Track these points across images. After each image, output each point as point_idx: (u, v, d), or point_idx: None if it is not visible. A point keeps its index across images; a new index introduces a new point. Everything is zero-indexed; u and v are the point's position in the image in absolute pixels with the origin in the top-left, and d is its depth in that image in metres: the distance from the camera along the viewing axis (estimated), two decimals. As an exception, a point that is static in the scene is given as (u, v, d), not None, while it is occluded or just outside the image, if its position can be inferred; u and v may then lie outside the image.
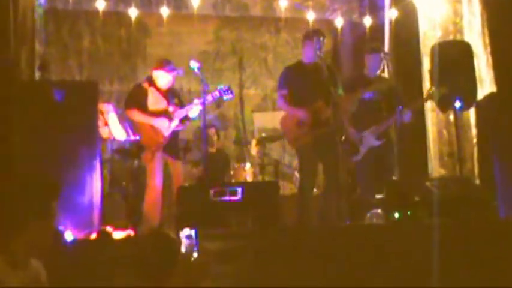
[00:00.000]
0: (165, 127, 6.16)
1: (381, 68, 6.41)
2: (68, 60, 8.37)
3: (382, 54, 6.35)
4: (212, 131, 8.01)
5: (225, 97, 6.27)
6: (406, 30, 7.63)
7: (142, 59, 8.61)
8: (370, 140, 6.20)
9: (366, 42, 7.90)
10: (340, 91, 5.91)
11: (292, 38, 9.06)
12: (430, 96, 6.13)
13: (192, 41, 8.81)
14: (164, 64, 6.28)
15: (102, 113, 6.27)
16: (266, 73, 9.14)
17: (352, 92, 6.18)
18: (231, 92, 6.29)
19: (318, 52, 5.88)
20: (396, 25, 7.79)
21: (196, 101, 6.18)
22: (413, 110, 6.17)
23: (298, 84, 6.06)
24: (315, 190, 6.43)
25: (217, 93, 6.21)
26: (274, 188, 5.59)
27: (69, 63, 8.37)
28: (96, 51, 8.49)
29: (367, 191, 6.18)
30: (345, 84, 6.15)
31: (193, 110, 6.19)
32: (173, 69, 6.27)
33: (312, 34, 6.01)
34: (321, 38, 6.00)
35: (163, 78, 6.26)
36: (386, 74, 6.56)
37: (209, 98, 6.14)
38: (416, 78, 7.16)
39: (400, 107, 6.07)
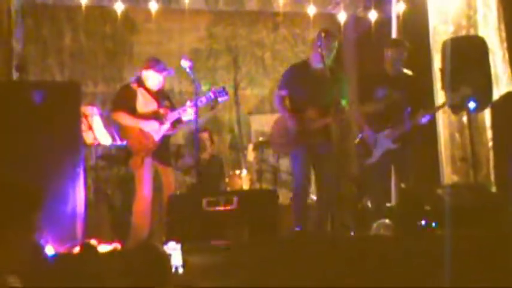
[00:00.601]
0: (155, 131, 6.16)
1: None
2: (48, 59, 8.38)
3: (404, 48, 6.27)
4: (205, 135, 8.03)
5: (219, 99, 6.26)
6: (415, 25, 7.62)
7: (129, 57, 8.64)
8: (385, 142, 6.19)
9: (372, 37, 7.92)
10: (345, 102, 5.97)
11: (291, 34, 9.10)
12: (456, 100, 6.07)
13: (183, 38, 8.85)
14: (154, 63, 6.28)
15: (86, 117, 6.27)
16: (263, 72, 9.18)
17: (370, 90, 6.22)
18: (226, 93, 6.29)
19: (325, 55, 5.81)
20: (404, 19, 7.79)
21: (188, 103, 6.18)
22: (433, 113, 6.16)
23: (299, 88, 6.09)
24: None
25: (211, 95, 6.21)
26: (272, 196, 5.60)
27: (49, 63, 8.38)
28: (79, 49, 8.51)
29: (376, 199, 6.20)
30: (363, 82, 6.14)
31: (187, 113, 6.19)
32: (164, 69, 6.27)
33: (326, 35, 5.90)
34: (334, 40, 5.99)
35: (153, 79, 6.26)
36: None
37: (203, 99, 6.13)
38: (426, 77, 7.14)
39: (408, 108, 6.07)
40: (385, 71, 6.27)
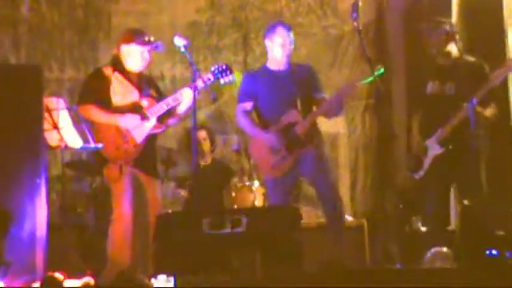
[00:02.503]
0: (137, 129, 6.14)
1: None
2: (-2, 35, 8.44)
3: (448, 27, 6.36)
4: (203, 134, 8.03)
5: (222, 80, 6.23)
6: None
7: (106, 33, 8.65)
8: (433, 147, 6.25)
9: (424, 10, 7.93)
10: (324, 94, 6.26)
11: (319, 2, 9.06)
12: None
13: (176, 9, 8.85)
14: (135, 35, 6.22)
15: (50, 111, 6.24)
16: (281, 53, 9.16)
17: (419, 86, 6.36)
18: (231, 72, 6.25)
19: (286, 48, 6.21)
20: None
21: (186, 90, 6.14)
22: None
23: (263, 93, 6.30)
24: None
25: (210, 76, 6.18)
26: (293, 216, 5.51)
27: (0, 39, 8.42)
28: (40, 22, 8.52)
29: (430, 220, 6.26)
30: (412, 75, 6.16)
31: (184, 103, 6.16)
32: (149, 42, 6.23)
33: (275, 27, 6.32)
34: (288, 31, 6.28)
35: (134, 56, 6.20)
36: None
37: (199, 83, 6.09)
38: (497, 59, 7.09)
39: (474, 100, 6.06)
40: (438, 63, 6.39)
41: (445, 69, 6.29)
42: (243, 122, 6.36)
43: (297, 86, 6.15)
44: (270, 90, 6.24)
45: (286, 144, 6.11)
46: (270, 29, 6.28)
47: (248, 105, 6.32)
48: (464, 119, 6.01)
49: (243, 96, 6.37)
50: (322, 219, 7.19)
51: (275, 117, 6.20)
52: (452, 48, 6.31)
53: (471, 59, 6.31)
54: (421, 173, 6.29)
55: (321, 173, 6.11)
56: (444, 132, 6.18)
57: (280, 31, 6.21)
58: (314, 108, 6.19)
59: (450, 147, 6.18)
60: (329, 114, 6.23)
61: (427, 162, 6.26)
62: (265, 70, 6.37)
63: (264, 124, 6.29)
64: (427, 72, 6.44)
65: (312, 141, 6.13)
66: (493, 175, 6.55)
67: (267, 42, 6.28)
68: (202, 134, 8.01)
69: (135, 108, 6.15)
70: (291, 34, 6.24)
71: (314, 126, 6.20)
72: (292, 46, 6.24)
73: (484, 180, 6.20)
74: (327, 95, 6.23)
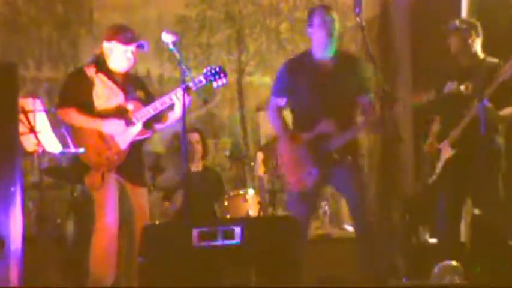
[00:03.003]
0: (121, 136, 6.12)
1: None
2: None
3: (467, 31, 6.39)
4: (196, 137, 8.02)
5: (214, 83, 6.21)
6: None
7: (87, 29, 8.67)
8: (446, 150, 6.29)
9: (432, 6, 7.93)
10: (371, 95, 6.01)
11: (320, -5, 9.07)
12: None
13: (164, 2, 8.88)
14: (117, 32, 6.22)
15: (26, 113, 6.21)
16: (278, 51, 9.21)
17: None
18: (224, 75, 6.23)
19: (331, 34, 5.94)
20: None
21: (178, 92, 6.09)
22: None
23: (303, 90, 6.07)
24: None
25: (201, 78, 6.16)
26: (291, 226, 5.46)
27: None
28: (14, 16, 8.51)
29: (438, 231, 6.32)
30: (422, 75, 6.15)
31: (176, 109, 6.14)
32: (134, 39, 6.23)
33: (313, 9, 6.12)
34: (331, 15, 6.04)
35: (118, 55, 6.20)
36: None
37: (190, 85, 6.08)
38: (508, 57, 7.11)
39: (485, 100, 6.06)
40: (460, 65, 6.44)
41: (466, 70, 6.34)
42: (274, 124, 6.22)
43: (342, 83, 5.94)
44: (311, 85, 6.02)
45: (314, 159, 5.96)
46: (308, 15, 6.06)
47: (281, 100, 6.14)
48: (476, 119, 6.01)
49: (278, 89, 6.19)
50: (322, 231, 7.20)
51: (310, 121, 5.99)
52: (478, 50, 6.38)
53: (493, 60, 6.35)
54: (433, 177, 6.32)
55: (355, 191, 5.95)
56: (456, 134, 6.21)
57: (319, 11, 6.03)
58: (355, 115, 6.00)
59: (462, 149, 6.19)
60: (373, 130, 6.10)
61: (439, 166, 6.29)
62: (309, 57, 6.12)
63: (298, 126, 6.10)
64: (446, 72, 6.48)
65: (346, 160, 5.92)
66: (510, 181, 6.54)
67: (308, 30, 6.06)
68: (194, 136, 8.01)
69: (119, 113, 6.15)
70: (333, 14, 6.03)
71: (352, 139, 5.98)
72: (336, 31, 5.99)
73: (501, 187, 6.17)
74: (372, 96, 6.00)
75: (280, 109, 6.18)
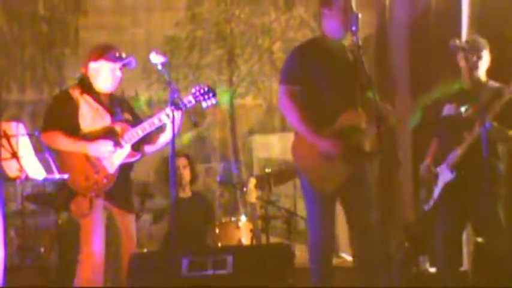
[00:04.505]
0: (109, 158, 6.09)
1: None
2: None
3: (476, 50, 6.25)
4: (183, 161, 8.00)
5: (204, 104, 6.19)
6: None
7: (73, 49, 8.70)
8: (444, 174, 6.23)
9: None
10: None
11: (312, 15, 9.06)
12: None
13: (153, 22, 8.93)
14: (104, 50, 6.21)
15: (8, 137, 6.18)
16: (271, 72, 9.20)
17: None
18: (214, 95, 6.21)
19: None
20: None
21: (168, 111, 6.04)
22: None
23: (321, 77, 5.87)
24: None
25: (190, 98, 6.13)
26: (285, 254, 5.51)
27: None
28: (-3, 35, 8.60)
29: (440, 260, 6.21)
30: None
31: (167, 131, 6.11)
32: (119, 58, 6.22)
33: None
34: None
35: (104, 75, 6.19)
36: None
37: (180, 105, 6.05)
38: (510, 73, 7.11)
39: (488, 123, 6.03)
40: (465, 88, 6.36)
41: (467, 92, 6.29)
42: (293, 114, 5.79)
43: (361, 69, 5.61)
44: (331, 72, 5.75)
45: (343, 153, 5.62)
46: None
47: (297, 88, 5.76)
48: (477, 143, 5.98)
49: (291, 76, 5.82)
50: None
51: (330, 112, 5.71)
52: (479, 72, 6.30)
53: (496, 84, 6.30)
54: (430, 203, 6.27)
55: (357, 200, 5.74)
56: (456, 157, 6.16)
57: None
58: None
59: (462, 174, 6.14)
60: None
61: (437, 191, 6.24)
62: (322, 42, 5.84)
63: (314, 119, 5.71)
64: (445, 94, 6.45)
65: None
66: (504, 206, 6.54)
67: (325, 11, 5.76)
68: (182, 161, 7.99)
69: (106, 134, 6.12)
70: None
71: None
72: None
73: (502, 215, 6.13)
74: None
75: (297, 98, 5.80)
